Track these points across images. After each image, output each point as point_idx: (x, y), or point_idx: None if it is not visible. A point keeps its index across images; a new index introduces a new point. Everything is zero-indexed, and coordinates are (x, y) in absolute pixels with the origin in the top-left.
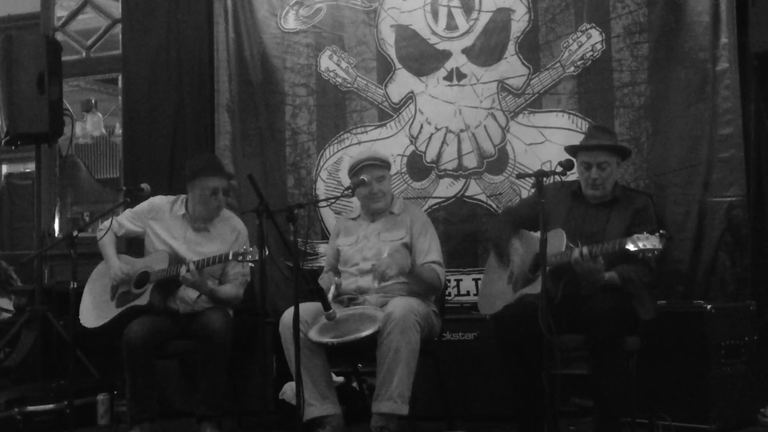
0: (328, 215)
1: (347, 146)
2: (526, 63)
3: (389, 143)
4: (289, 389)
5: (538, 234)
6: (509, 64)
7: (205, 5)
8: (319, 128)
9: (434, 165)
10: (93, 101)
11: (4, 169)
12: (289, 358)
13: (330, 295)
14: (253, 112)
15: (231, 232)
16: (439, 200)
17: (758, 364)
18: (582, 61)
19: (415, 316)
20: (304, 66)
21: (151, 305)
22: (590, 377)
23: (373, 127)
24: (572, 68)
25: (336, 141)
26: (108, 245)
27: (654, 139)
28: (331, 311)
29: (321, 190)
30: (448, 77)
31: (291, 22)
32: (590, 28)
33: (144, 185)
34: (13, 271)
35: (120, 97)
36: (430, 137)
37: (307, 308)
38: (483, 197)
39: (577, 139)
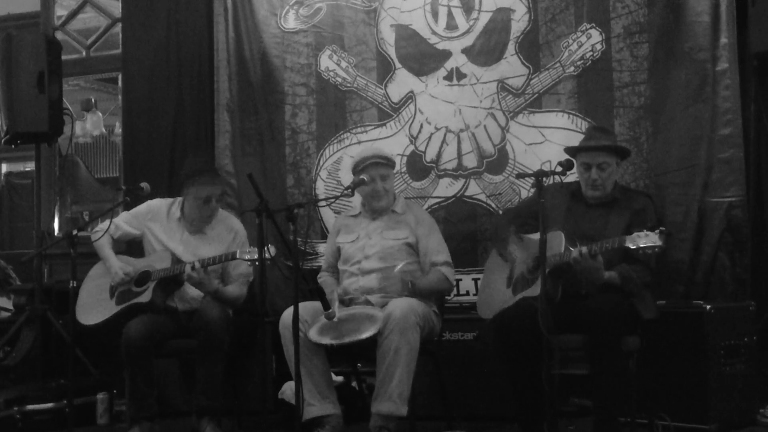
0: (327, 215)
1: (347, 146)
2: (526, 63)
3: (389, 143)
4: (288, 389)
5: (536, 236)
6: (509, 64)
7: (205, 5)
8: (319, 128)
9: (434, 165)
10: (93, 100)
11: (4, 168)
12: (289, 357)
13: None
14: (252, 111)
15: (228, 233)
16: (439, 200)
17: (758, 365)
18: (582, 61)
19: (416, 316)
20: (304, 65)
21: (153, 303)
22: (590, 377)
23: (372, 127)
24: (572, 68)
25: (336, 140)
26: (105, 246)
27: (654, 139)
28: (330, 311)
29: (321, 189)
30: (448, 77)
31: (291, 22)
32: (590, 28)
33: (144, 184)
34: (12, 270)
35: (120, 97)
36: (429, 137)
37: (307, 308)
38: (483, 197)
39: (576, 139)
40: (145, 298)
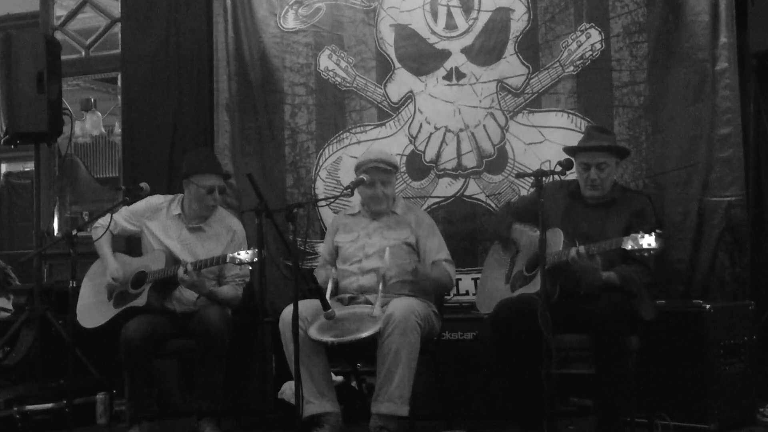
0: (327, 214)
1: (346, 146)
2: (525, 62)
3: (388, 143)
4: (288, 388)
5: (535, 233)
6: (508, 63)
7: (204, 5)
8: (319, 127)
9: (433, 164)
10: (92, 100)
11: (4, 168)
12: (289, 355)
13: (328, 292)
14: (252, 111)
15: (227, 232)
16: (439, 200)
17: (757, 364)
18: (581, 61)
19: (416, 317)
20: (304, 65)
21: (148, 306)
22: (589, 377)
23: (372, 127)
24: (571, 68)
25: (335, 140)
26: (104, 245)
27: (653, 139)
28: (330, 310)
29: (320, 189)
30: (448, 77)
31: (290, 22)
32: (589, 27)
33: (143, 184)
34: (12, 270)
35: (119, 97)
36: (429, 137)
37: (307, 306)
38: (482, 197)
39: (576, 139)
40: (140, 301)
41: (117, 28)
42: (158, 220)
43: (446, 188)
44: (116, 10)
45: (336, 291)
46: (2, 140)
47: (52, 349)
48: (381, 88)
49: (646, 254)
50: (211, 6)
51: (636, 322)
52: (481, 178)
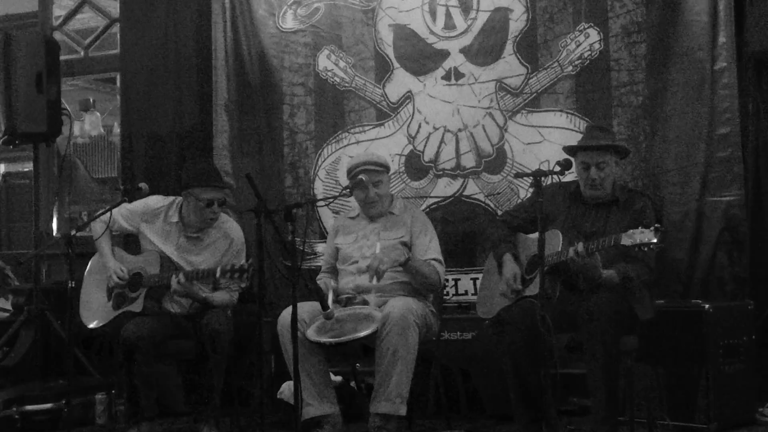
0: (326, 215)
1: (345, 146)
2: (524, 62)
3: (387, 143)
4: (287, 389)
5: (534, 236)
6: (507, 63)
7: (203, 5)
8: (317, 128)
9: (432, 164)
10: (91, 100)
11: (2, 168)
12: (288, 357)
13: (329, 300)
14: (251, 111)
15: (224, 240)
16: (437, 200)
17: (756, 364)
18: (580, 61)
19: (414, 316)
20: (302, 65)
21: (145, 310)
22: (589, 377)
23: (371, 127)
24: (570, 68)
25: (334, 140)
26: (105, 244)
27: (652, 139)
28: (329, 311)
29: (319, 189)
30: (446, 77)
31: (289, 22)
32: (588, 27)
33: (142, 184)
34: (11, 271)
35: (118, 97)
36: (428, 137)
37: (306, 308)
38: (481, 197)
39: (575, 139)
40: (137, 307)
41: (116, 29)
42: (155, 225)
43: (445, 188)
44: (115, 10)
45: (336, 299)
46: (1, 140)
47: (51, 350)
48: (380, 88)
49: (645, 249)
50: (209, 6)
51: (633, 322)
52: (479, 178)
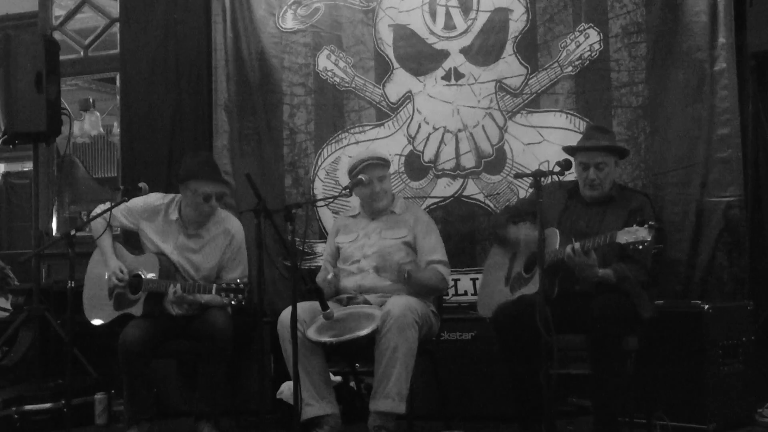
0: (325, 215)
1: (345, 146)
2: (524, 63)
3: (387, 143)
4: (286, 389)
5: (531, 231)
6: (507, 64)
7: (203, 5)
8: (317, 128)
9: (432, 165)
10: (91, 100)
11: (2, 168)
12: (287, 357)
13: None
14: (251, 111)
15: (224, 236)
16: (437, 200)
17: (756, 364)
18: (580, 61)
19: (413, 314)
20: (302, 65)
21: (145, 315)
22: (589, 377)
23: (371, 127)
24: (570, 68)
25: (334, 140)
26: (106, 244)
27: (652, 139)
28: (328, 311)
29: (319, 189)
30: (446, 77)
31: (289, 22)
32: (588, 27)
33: (142, 184)
34: (11, 270)
35: (118, 97)
36: (428, 137)
37: (305, 307)
38: (481, 197)
39: (575, 139)
40: (137, 311)
41: (116, 28)
42: (155, 223)
43: (445, 188)
44: (115, 10)
45: (336, 292)
46: (1, 140)
47: (51, 349)
48: (380, 89)
49: (640, 247)
50: (209, 6)
51: (635, 322)
52: (479, 178)
